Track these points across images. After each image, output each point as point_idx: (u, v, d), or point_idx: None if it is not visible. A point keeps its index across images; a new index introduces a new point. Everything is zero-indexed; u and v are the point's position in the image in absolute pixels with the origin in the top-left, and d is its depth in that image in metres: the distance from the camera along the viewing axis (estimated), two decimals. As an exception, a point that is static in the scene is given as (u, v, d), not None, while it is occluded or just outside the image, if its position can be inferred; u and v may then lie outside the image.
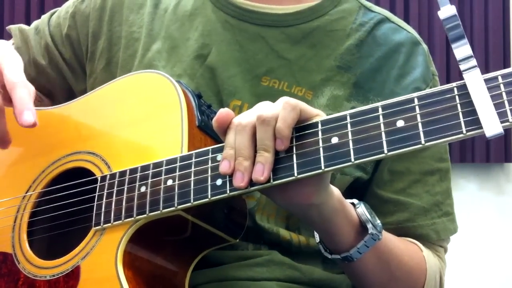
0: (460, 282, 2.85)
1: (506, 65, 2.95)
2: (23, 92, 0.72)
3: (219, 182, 0.68)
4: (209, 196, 0.68)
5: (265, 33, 0.91)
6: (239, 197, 0.80)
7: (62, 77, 1.02)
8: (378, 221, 0.77)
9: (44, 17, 1.06)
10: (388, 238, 0.84)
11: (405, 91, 0.90)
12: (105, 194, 0.76)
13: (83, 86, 1.01)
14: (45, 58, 1.02)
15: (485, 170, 3.01)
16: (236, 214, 0.81)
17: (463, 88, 0.59)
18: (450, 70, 2.91)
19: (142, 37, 0.94)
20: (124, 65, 0.94)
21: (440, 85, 0.95)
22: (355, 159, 0.62)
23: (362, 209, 0.77)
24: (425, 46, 0.97)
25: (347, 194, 0.92)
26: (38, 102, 1.07)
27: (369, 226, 0.76)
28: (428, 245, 0.93)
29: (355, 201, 0.79)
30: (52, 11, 1.07)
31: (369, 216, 0.76)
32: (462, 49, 0.59)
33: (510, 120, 0.56)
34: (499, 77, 0.57)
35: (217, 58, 0.90)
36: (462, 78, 0.60)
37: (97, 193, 0.76)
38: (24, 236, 0.81)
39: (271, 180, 0.65)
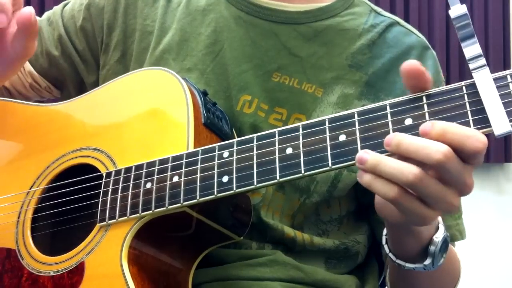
0: (460, 282, 2.85)
1: (506, 65, 2.95)
2: None
3: (225, 179, 0.68)
4: (215, 193, 0.68)
5: (278, 29, 0.91)
6: (244, 195, 0.80)
7: (74, 68, 1.02)
8: (442, 260, 0.75)
9: (56, 8, 1.06)
10: None
11: None
12: (110, 190, 0.75)
13: (94, 78, 1.01)
14: (58, 49, 1.02)
15: (485, 170, 3.01)
16: (241, 212, 0.81)
17: (472, 87, 0.59)
18: (450, 69, 2.90)
19: (155, 31, 0.95)
20: (137, 58, 0.95)
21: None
22: None
23: (435, 247, 0.73)
24: (434, 52, 0.97)
25: (353, 191, 0.92)
26: (47, 93, 1.07)
27: (429, 259, 0.73)
28: (452, 244, 0.94)
29: (441, 227, 0.75)
30: (64, 2, 1.07)
31: (436, 253, 0.73)
32: (471, 48, 0.59)
33: (519, 118, 0.56)
34: (508, 76, 0.57)
35: (229, 54, 0.90)
36: (461, 78, 0.60)
37: (102, 189, 0.76)
38: (28, 232, 0.81)
39: (278, 177, 0.65)
